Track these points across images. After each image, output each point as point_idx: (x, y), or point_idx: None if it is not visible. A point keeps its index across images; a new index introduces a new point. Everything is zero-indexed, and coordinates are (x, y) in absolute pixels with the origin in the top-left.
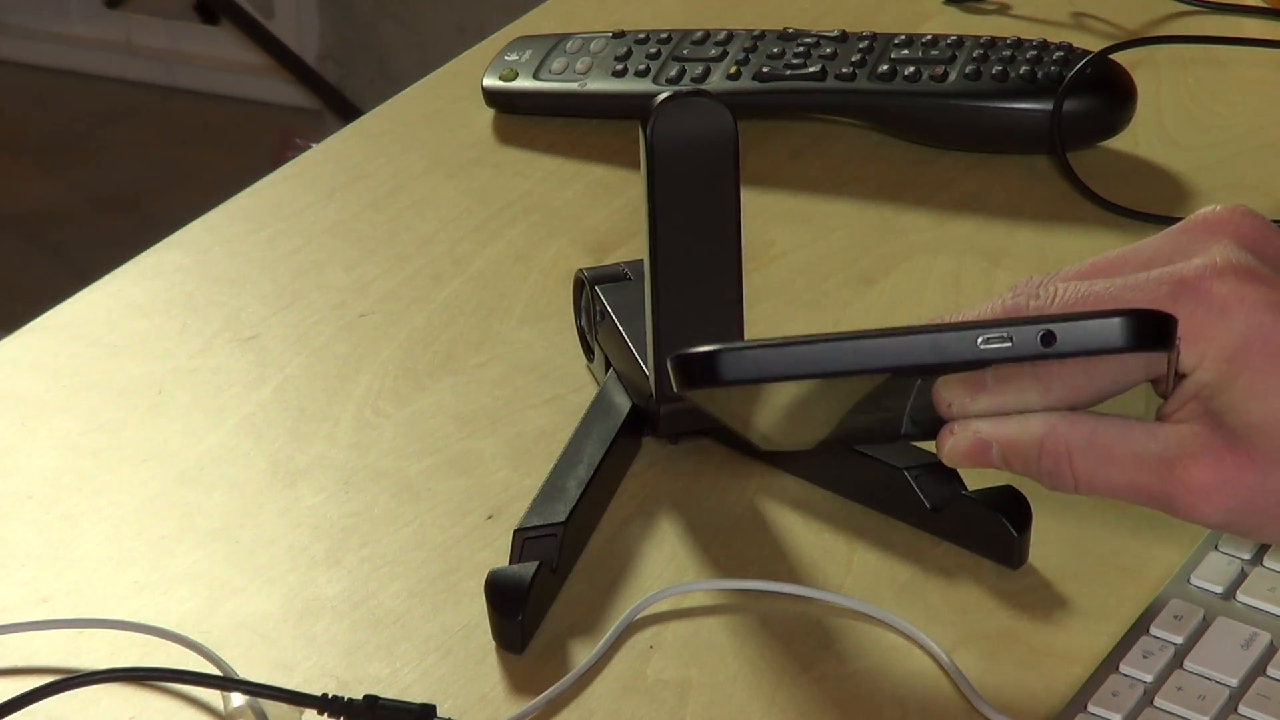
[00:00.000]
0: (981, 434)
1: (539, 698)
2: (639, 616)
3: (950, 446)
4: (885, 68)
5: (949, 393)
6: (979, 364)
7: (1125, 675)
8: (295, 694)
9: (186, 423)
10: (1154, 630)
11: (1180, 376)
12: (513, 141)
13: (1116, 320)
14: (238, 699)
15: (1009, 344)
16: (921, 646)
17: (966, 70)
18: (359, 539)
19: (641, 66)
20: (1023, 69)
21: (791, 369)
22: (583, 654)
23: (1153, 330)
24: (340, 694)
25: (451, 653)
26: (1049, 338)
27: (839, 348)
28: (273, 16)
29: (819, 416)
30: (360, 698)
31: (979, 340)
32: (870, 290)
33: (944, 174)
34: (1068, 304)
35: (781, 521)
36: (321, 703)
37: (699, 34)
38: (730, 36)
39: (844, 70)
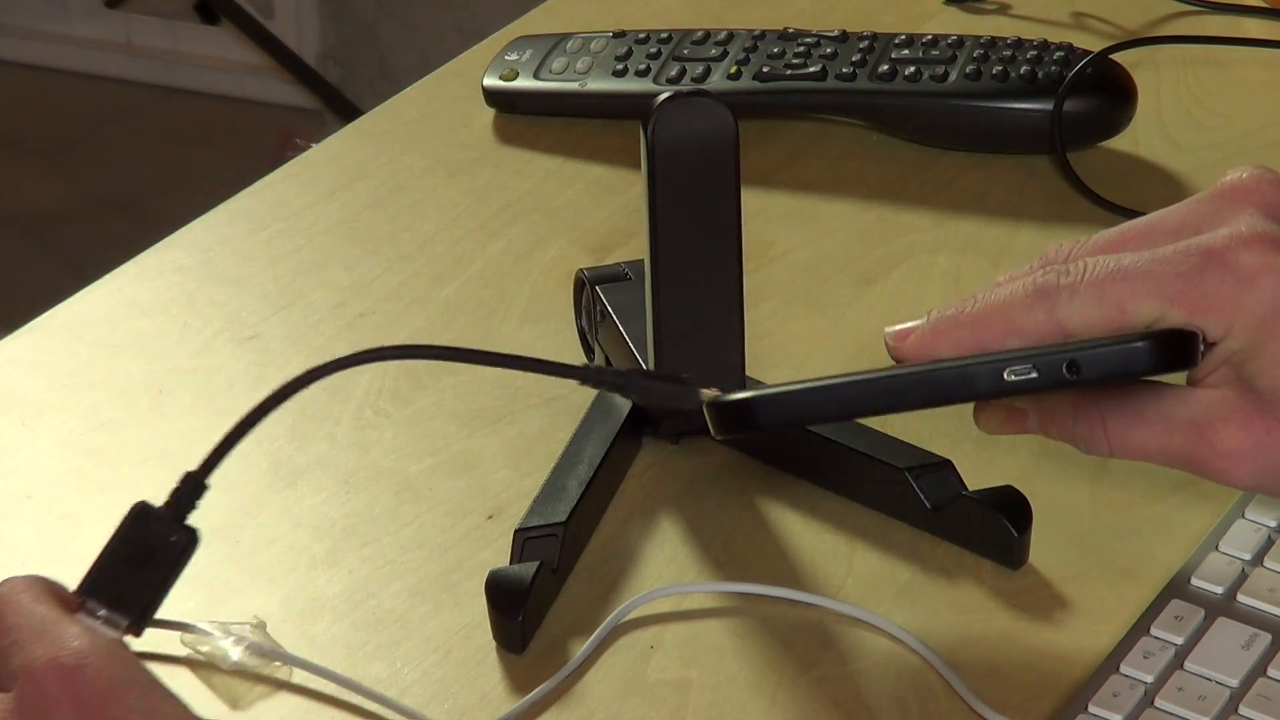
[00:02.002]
0: (1017, 402)
1: (526, 697)
2: (627, 618)
3: (987, 416)
4: (885, 68)
5: None
6: (1007, 395)
7: (1126, 676)
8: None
9: (186, 423)
10: (1154, 631)
11: (1210, 345)
12: (513, 141)
13: (1141, 345)
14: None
15: (1035, 375)
16: (916, 652)
17: (967, 70)
18: (359, 539)
19: (642, 66)
20: (1023, 69)
21: (824, 412)
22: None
23: (1176, 351)
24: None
25: (452, 653)
26: (1074, 367)
27: (870, 388)
28: (273, 16)
29: None
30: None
31: (1006, 373)
32: (870, 290)
33: (944, 174)
34: (1097, 281)
35: (782, 522)
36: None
37: (699, 34)
38: (730, 36)
39: (844, 70)
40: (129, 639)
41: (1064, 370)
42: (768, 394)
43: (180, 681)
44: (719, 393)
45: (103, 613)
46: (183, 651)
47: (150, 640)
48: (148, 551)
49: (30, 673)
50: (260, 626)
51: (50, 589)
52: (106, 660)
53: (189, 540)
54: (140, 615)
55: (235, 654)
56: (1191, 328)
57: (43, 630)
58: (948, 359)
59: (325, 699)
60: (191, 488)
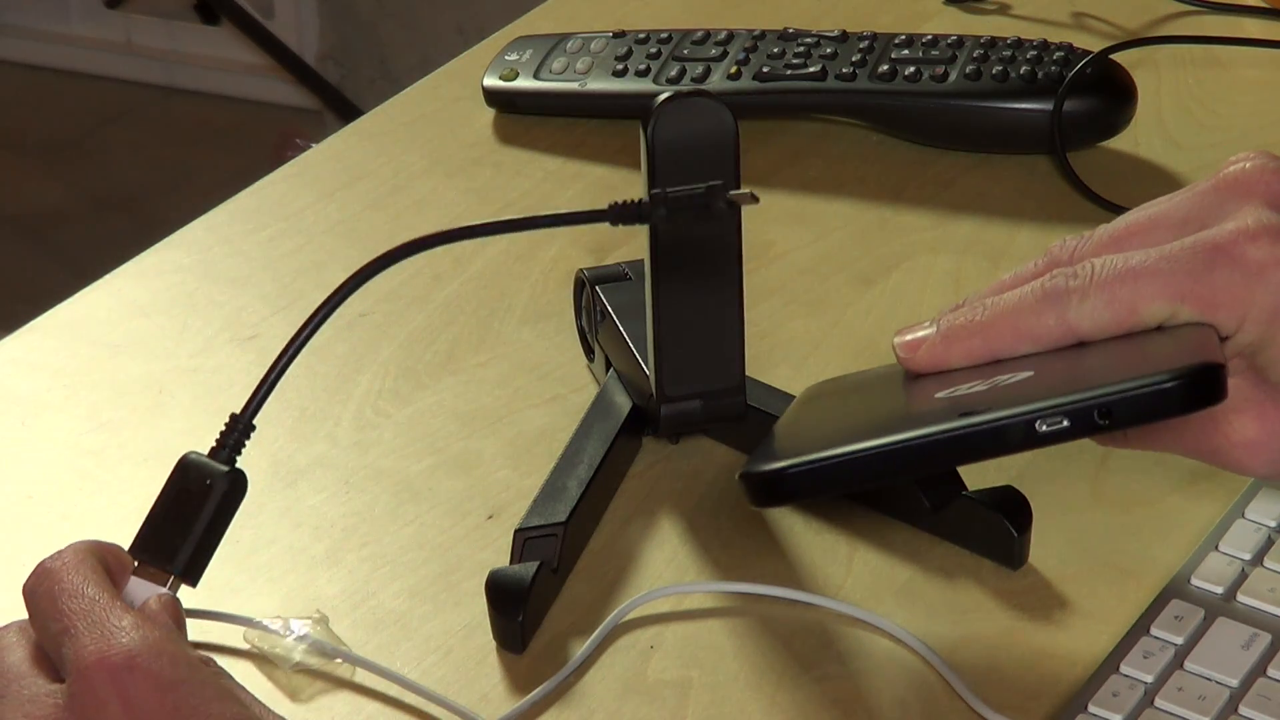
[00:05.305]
0: None
1: (526, 697)
2: (627, 618)
3: None
4: (885, 68)
5: None
6: (1040, 446)
7: (1126, 676)
8: None
9: (187, 423)
10: (1154, 631)
11: (1222, 339)
12: (513, 141)
13: (1173, 386)
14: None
15: (1066, 425)
16: (916, 653)
17: (967, 70)
18: (359, 539)
19: (642, 66)
20: (1023, 69)
21: (857, 479)
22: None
23: (1206, 389)
24: None
25: (452, 652)
26: (1105, 413)
27: (903, 451)
28: (273, 16)
29: None
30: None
31: (1038, 425)
32: (870, 290)
33: (944, 174)
34: (1106, 282)
35: (782, 521)
36: None
37: (699, 34)
38: (730, 36)
39: (844, 70)
40: (183, 591)
41: (1095, 417)
42: (802, 465)
43: (241, 674)
44: (750, 464)
45: (151, 570)
46: (245, 645)
47: (213, 634)
48: (195, 500)
49: (80, 669)
50: (323, 620)
51: (102, 559)
52: (155, 658)
53: (233, 482)
54: (187, 566)
55: (297, 654)
56: (1204, 323)
57: (93, 620)
58: (977, 415)
59: (386, 699)
60: (236, 428)
